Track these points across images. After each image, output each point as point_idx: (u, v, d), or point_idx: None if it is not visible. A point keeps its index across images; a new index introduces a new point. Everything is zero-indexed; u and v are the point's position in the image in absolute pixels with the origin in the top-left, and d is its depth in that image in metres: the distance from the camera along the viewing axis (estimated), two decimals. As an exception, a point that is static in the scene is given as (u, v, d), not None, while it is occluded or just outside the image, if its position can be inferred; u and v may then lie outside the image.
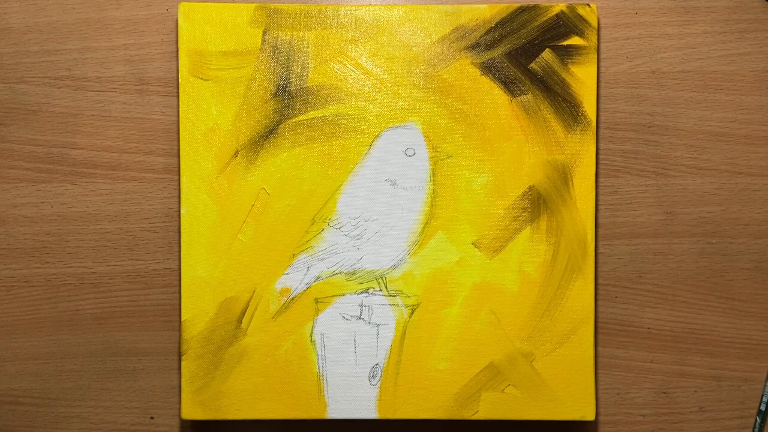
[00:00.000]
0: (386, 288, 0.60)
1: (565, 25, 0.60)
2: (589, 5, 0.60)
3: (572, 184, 0.60)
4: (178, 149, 0.60)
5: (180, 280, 0.60)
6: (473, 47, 0.60)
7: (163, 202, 0.61)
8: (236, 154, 0.60)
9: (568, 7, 0.60)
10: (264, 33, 0.59)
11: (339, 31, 0.60)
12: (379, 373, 0.60)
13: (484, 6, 0.60)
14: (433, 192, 0.60)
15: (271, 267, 0.60)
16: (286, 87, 0.60)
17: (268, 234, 0.60)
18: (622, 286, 0.62)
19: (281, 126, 0.60)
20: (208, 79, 0.59)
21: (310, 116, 0.60)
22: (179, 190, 0.60)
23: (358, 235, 0.60)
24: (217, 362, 0.59)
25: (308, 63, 0.60)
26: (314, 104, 0.60)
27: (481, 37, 0.60)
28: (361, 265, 0.60)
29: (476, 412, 0.60)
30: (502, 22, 0.60)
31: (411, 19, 0.60)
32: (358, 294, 0.60)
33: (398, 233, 0.60)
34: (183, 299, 0.59)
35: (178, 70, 0.60)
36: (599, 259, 0.61)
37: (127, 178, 0.61)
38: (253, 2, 0.60)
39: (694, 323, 0.62)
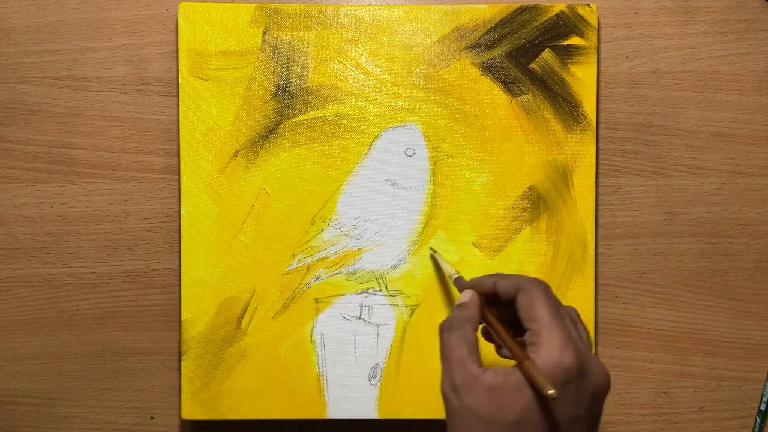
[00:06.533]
0: (386, 288, 0.60)
1: (565, 25, 0.60)
2: (589, 5, 0.60)
3: (572, 184, 0.60)
4: (178, 149, 0.60)
5: (180, 280, 0.60)
6: (473, 47, 0.60)
7: (163, 202, 0.61)
8: (236, 154, 0.60)
9: (568, 7, 0.60)
10: (264, 33, 0.59)
11: (339, 31, 0.60)
12: (379, 373, 0.60)
13: (484, 6, 0.60)
14: (433, 192, 0.60)
15: (271, 267, 0.60)
16: (286, 87, 0.60)
17: (268, 234, 0.60)
18: (622, 286, 0.62)
19: (281, 126, 0.60)
20: (208, 79, 0.59)
21: (310, 116, 0.60)
22: (179, 190, 0.60)
23: (358, 235, 0.60)
24: (217, 362, 0.59)
25: (308, 63, 0.60)
26: (314, 104, 0.60)
27: (481, 37, 0.60)
28: (361, 265, 0.60)
29: (476, 412, 0.60)
30: (502, 22, 0.60)
31: (411, 19, 0.60)
32: (358, 294, 0.60)
33: (398, 233, 0.60)
34: (183, 299, 0.59)
35: (178, 70, 0.60)
36: (599, 259, 0.61)
37: (127, 178, 0.61)
38: (253, 2, 0.60)
39: (694, 323, 0.62)
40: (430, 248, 0.59)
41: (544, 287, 0.46)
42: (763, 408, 0.62)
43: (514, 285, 0.46)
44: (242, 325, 0.60)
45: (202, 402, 0.59)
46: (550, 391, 0.39)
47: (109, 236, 0.61)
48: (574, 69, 0.60)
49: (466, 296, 0.48)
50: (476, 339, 0.45)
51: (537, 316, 0.43)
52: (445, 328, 0.45)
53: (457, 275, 0.52)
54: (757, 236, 0.62)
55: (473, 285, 0.48)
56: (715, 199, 0.62)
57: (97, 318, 0.61)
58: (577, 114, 0.60)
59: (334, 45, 0.60)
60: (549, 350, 0.42)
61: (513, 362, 0.43)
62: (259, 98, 0.60)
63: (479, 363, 0.43)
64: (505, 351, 0.49)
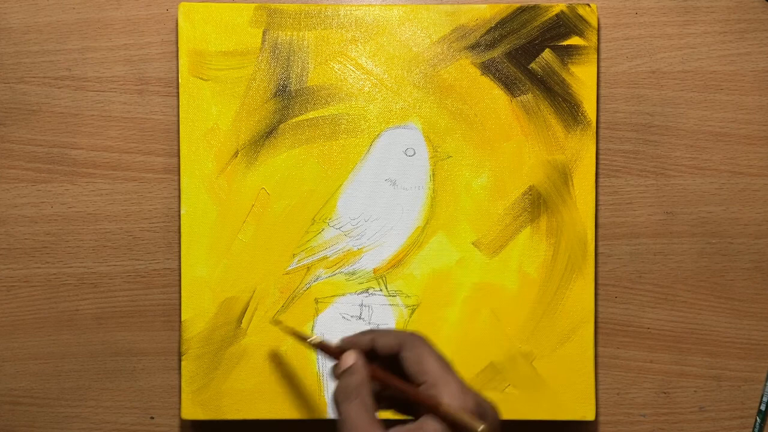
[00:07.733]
0: (386, 288, 0.60)
1: (565, 25, 0.60)
2: (589, 5, 0.60)
3: (572, 184, 0.60)
4: (178, 149, 0.60)
5: (180, 280, 0.60)
6: (473, 47, 0.60)
7: (163, 202, 0.61)
8: (236, 154, 0.60)
9: (568, 7, 0.60)
10: (264, 33, 0.59)
11: (339, 31, 0.60)
12: (379, 373, 0.60)
13: (484, 6, 0.60)
14: (433, 192, 0.60)
15: (271, 267, 0.60)
16: (286, 87, 0.60)
17: (268, 234, 0.60)
18: (622, 286, 0.62)
19: (281, 126, 0.60)
20: (208, 79, 0.59)
21: (310, 116, 0.60)
22: (179, 190, 0.60)
23: (358, 235, 0.60)
24: (217, 362, 0.59)
25: (308, 63, 0.60)
26: (314, 104, 0.60)
27: (481, 37, 0.60)
28: (361, 265, 0.60)
29: (476, 412, 0.60)
30: (502, 22, 0.60)
31: (411, 19, 0.60)
32: (358, 294, 0.60)
33: (398, 233, 0.60)
34: (183, 299, 0.59)
35: (178, 70, 0.60)
36: (599, 259, 0.61)
37: (127, 178, 0.61)
38: (253, 2, 0.60)
39: (694, 323, 0.62)
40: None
41: (425, 340, 0.47)
42: (763, 408, 0.62)
43: (396, 341, 0.46)
44: (242, 325, 0.60)
45: (202, 402, 0.59)
46: (481, 427, 0.40)
47: (109, 236, 0.61)
48: (574, 69, 0.60)
49: (350, 359, 0.46)
50: (373, 403, 0.44)
51: (428, 369, 0.44)
52: (342, 399, 0.44)
53: (321, 340, 0.50)
54: (757, 236, 0.62)
55: (351, 345, 0.47)
56: (715, 199, 0.62)
57: (97, 318, 0.61)
58: (577, 114, 0.60)
59: (334, 45, 0.60)
60: (451, 397, 0.42)
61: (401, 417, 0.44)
62: (259, 98, 0.60)
63: (383, 427, 0.43)
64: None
